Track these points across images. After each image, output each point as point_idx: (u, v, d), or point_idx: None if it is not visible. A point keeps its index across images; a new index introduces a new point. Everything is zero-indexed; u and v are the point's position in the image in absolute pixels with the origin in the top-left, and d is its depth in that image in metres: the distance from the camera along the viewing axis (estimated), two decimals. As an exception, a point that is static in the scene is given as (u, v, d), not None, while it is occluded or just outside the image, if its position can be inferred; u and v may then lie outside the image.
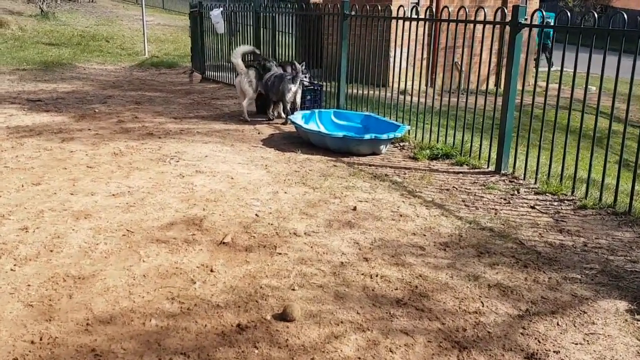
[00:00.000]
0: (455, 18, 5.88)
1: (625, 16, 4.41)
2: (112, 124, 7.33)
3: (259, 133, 7.04)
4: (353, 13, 7.52)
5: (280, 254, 3.60)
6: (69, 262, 3.43)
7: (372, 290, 3.18)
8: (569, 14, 4.82)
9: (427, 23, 6.61)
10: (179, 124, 7.48)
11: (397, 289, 3.20)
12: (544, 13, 5.36)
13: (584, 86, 4.86)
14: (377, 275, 3.34)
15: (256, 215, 4.26)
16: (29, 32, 17.94)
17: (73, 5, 25.01)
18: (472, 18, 5.82)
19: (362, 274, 3.35)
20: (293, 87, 7.33)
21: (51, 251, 3.56)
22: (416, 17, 6.49)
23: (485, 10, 5.74)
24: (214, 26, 11.35)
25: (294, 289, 3.15)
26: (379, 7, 7.16)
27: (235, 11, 11.35)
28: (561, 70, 4.95)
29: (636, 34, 4.28)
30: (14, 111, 7.96)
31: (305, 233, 3.94)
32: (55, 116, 7.74)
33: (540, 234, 4.06)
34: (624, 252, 3.74)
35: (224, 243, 3.74)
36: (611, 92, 4.58)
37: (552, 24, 5.18)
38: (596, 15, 4.68)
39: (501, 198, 4.81)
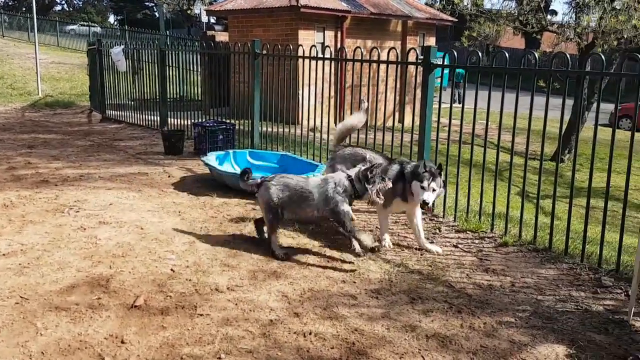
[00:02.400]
0: (363, 58, 5.91)
1: (507, 55, 4.72)
2: (1, 172, 6.61)
3: (168, 176, 6.62)
4: (264, 52, 7.38)
5: (201, 315, 3.25)
6: (-54, 342, 2.88)
7: (307, 351, 2.91)
8: (480, 54, 4.94)
9: (337, 63, 6.60)
10: (78, 168, 6.89)
11: (333, 348, 2.95)
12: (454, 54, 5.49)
13: (485, 122, 5.00)
14: (310, 333, 3.08)
15: (172, 270, 3.87)
16: None
17: (-45, 42, 23.13)
18: (377, 58, 5.85)
19: (295, 333, 3.08)
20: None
21: None
22: (329, 56, 6.45)
23: (388, 51, 5.79)
24: (114, 64, 10.81)
25: (219, 358, 2.82)
26: (291, 47, 7.07)
27: (138, 49, 10.89)
28: (462, 108, 5.06)
29: (532, 72, 4.49)
30: None
31: (228, 288, 3.62)
32: None
33: (467, 274, 4.00)
34: (551, 291, 3.75)
35: (135, 306, 3.33)
36: (511, 128, 4.76)
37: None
38: (484, 56, 4.84)
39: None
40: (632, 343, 3.07)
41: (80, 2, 58.24)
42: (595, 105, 4.34)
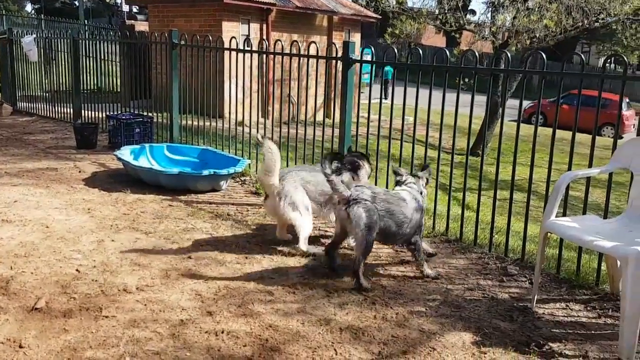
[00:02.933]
0: (284, 52, 5.88)
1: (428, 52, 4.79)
2: None
3: (79, 171, 6.31)
4: (182, 42, 7.18)
5: (107, 317, 3.11)
6: None
7: (218, 350, 2.85)
8: (396, 50, 5.02)
9: (259, 55, 6.52)
10: (-19, 164, 6.45)
11: (245, 346, 2.91)
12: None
13: (408, 118, 5.10)
14: (222, 332, 3.02)
15: (77, 270, 3.68)
16: None
17: None
18: (297, 52, 5.83)
19: (206, 332, 3.01)
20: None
21: None
22: (250, 49, 6.36)
23: (308, 45, 5.80)
24: (26, 54, 10.21)
25: (125, 360, 2.71)
26: (210, 38, 6.92)
27: (50, 38, 10.32)
28: (380, 104, 5.14)
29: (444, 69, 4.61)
30: None
31: (137, 288, 3.48)
32: None
33: (383, 266, 4.07)
34: (460, 280, 3.87)
35: (36, 309, 3.14)
36: (434, 124, 4.88)
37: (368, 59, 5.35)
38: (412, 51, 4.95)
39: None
40: (535, 329, 3.22)
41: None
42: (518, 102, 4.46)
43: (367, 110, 5.73)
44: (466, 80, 4.55)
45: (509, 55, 4.32)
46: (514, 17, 12.55)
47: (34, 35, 10.32)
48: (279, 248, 4.28)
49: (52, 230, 4.38)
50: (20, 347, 2.78)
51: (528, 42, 12.61)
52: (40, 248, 4.01)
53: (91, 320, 3.06)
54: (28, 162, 6.63)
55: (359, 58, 5.43)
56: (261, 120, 6.95)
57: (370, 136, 5.55)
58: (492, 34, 13.07)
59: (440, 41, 37.02)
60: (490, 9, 14.79)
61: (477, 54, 4.47)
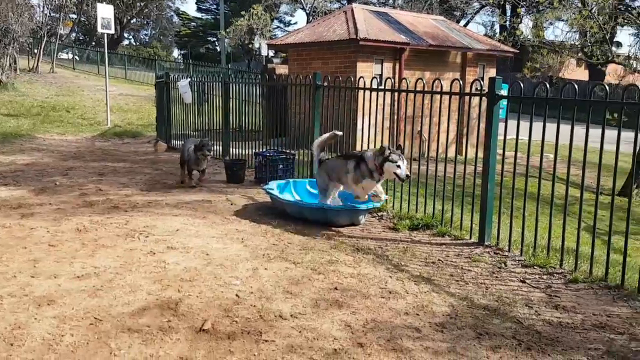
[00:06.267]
0: (425, 89, 5.94)
1: (576, 87, 4.60)
2: (74, 198, 6.96)
3: (231, 204, 6.78)
4: (325, 84, 7.53)
5: (266, 341, 3.29)
6: (31, 357, 3.03)
7: (373, 382, 2.89)
8: (547, 86, 4.87)
9: (399, 94, 6.63)
10: (145, 196, 7.17)
11: (399, 380, 2.92)
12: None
13: (550, 154, 4.87)
14: (375, 364, 3.06)
15: (237, 295, 3.95)
16: (-13, 101, 17.52)
17: (33, 76, 24.76)
18: (440, 89, 5.85)
19: (360, 363, 3.07)
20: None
21: (11, 345, 3.16)
22: (404, 89, 6.51)
23: (452, 82, 5.79)
24: (180, 96, 11.27)
25: (286, 384, 2.84)
26: (352, 78, 7.19)
27: (203, 82, 11.33)
28: (529, 140, 4.96)
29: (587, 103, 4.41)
30: (-32, 184, 7.51)
31: (291, 315, 3.65)
32: (13, 190, 7.32)
33: (536, 311, 3.88)
34: (624, 329, 3.58)
35: (203, 330, 3.41)
36: (576, 162, 4.64)
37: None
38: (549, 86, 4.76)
39: (489, 272, 4.65)
40: None
41: (147, 37, 61.29)
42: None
43: (503, 147, 5.60)
44: (624, 117, 4.27)
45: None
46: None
47: (189, 79, 11.38)
48: (421, 286, 4.26)
49: (211, 257, 4.75)
50: (193, 364, 3.02)
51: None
52: (203, 274, 4.36)
53: (253, 343, 3.25)
54: (185, 195, 7.25)
55: (505, 94, 5.34)
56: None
57: (507, 173, 5.37)
58: (645, 66, 12.16)
59: (582, 75, 35.03)
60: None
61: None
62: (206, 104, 11.21)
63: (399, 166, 5.44)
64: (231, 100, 10.01)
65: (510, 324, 3.65)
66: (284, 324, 3.52)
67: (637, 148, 4.42)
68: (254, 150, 8.88)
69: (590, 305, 3.98)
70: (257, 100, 11.09)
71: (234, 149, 9.80)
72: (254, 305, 3.78)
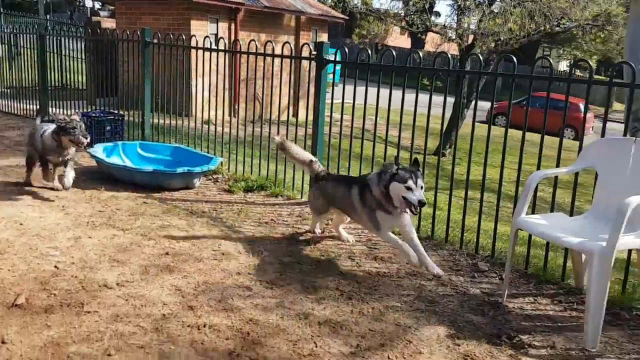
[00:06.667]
0: (258, 51, 5.93)
1: (394, 53, 5.03)
2: None
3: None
4: (155, 41, 7.15)
5: (89, 312, 3.12)
6: None
7: (202, 343, 2.90)
8: (369, 52, 5.14)
9: (227, 55, 6.54)
10: (-55, 160, 6.29)
11: (228, 339, 2.97)
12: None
13: (372, 117, 5.22)
14: (205, 326, 3.07)
15: (55, 267, 3.67)
16: None
17: None
18: (272, 52, 5.89)
19: (189, 326, 3.06)
20: None
21: None
22: (227, 49, 6.39)
23: (282, 45, 5.83)
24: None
25: (109, 354, 2.73)
26: (183, 36, 6.91)
27: (16, 33, 10.10)
28: (353, 104, 5.25)
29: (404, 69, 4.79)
30: None
31: (117, 284, 3.50)
32: None
33: (357, 263, 4.17)
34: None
35: (16, 305, 3.13)
36: (397, 124, 5.02)
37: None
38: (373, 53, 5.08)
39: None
40: (506, 322, 3.37)
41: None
42: (473, 103, 4.69)
43: (341, 111, 5.85)
44: (437, 82, 4.69)
45: (480, 57, 4.49)
46: (480, 20, 12.89)
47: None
48: (254, 245, 4.35)
49: (26, 227, 4.34)
50: (3, 342, 2.78)
51: (493, 44, 12.98)
52: (15, 245, 3.98)
53: (73, 316, 3.07)
54: (-5, 159, 6.50)
55: (332, 59, 5.53)
56: (227, 119, 6.96)
57: (335, 134, 5.62)
58: (459, 36, 13.39)
59: (405, 42, 37.52)
60: (456, 11, 15.13)
61: (449, 55, 4.63)
62: (19, 58, 10.05)
63: (409, 188, 3.76)
64: (49, 54, 9.06)
65: (334, 277, 3.88)
66: (109, 293, 3.37)
67: (450, 111, 4.88)
68: (78, 110, 8.18)
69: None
70: (83, 57, 10.21)
71: (54, 109, 8.94)
72: (75, 276, 3.55)
